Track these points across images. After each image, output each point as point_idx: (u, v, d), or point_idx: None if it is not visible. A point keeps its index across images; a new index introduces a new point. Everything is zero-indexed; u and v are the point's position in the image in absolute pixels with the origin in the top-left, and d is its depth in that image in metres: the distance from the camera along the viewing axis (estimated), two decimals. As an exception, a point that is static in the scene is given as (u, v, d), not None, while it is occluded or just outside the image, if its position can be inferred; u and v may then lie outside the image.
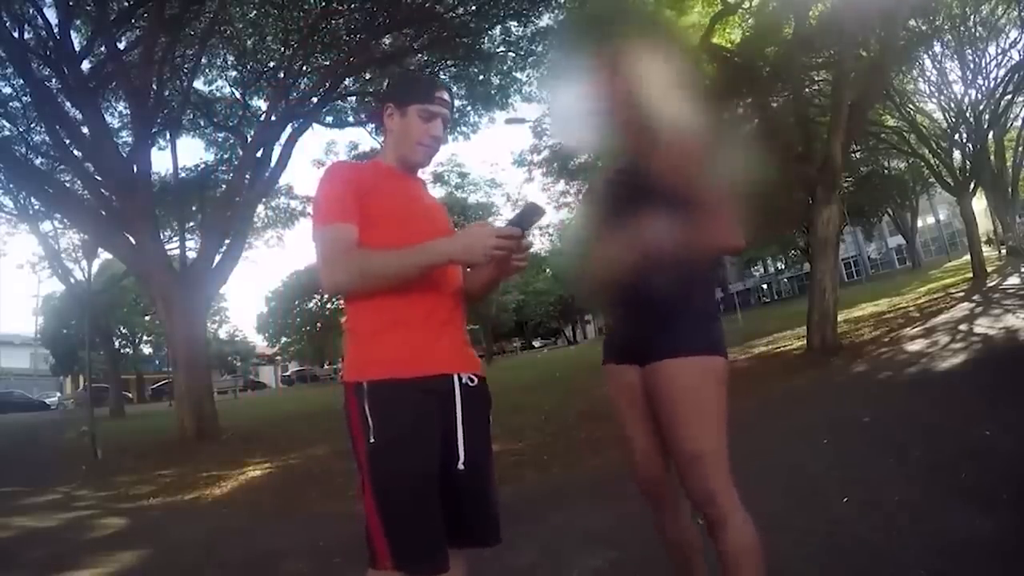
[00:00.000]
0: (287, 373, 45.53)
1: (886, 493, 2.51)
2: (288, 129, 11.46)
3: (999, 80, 16.71)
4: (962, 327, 7.59)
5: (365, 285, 1.26)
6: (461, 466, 1.24)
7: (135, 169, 9.48)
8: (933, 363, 5.60)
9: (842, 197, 9.19)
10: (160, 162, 41.97)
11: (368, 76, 12.40)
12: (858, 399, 4.77)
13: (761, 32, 9.48)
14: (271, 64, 12.13)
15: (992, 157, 19.86)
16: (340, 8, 10.70)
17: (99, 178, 9.88)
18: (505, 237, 1.22)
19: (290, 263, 67.31)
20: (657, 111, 1.41)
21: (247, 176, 11.10)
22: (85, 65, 9.96)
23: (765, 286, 52.15)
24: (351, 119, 13.60)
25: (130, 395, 32.06)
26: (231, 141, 13.66)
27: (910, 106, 17.17)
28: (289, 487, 4.93)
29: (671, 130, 1.40)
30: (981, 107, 17.20)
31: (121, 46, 10.18)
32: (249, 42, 11.67)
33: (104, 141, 9.43)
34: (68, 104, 10.11)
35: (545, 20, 11.35)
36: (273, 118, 10.88)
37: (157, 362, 36.61)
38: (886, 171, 24.84)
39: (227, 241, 10.62)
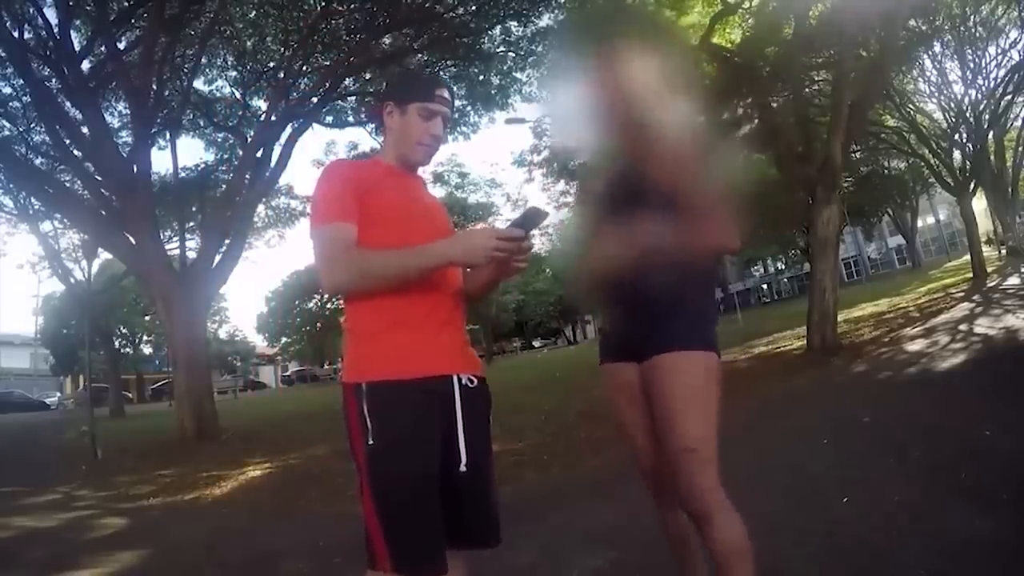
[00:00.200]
0: (287, 373, 45.53)
1: (886, 493, 2.51)
2: (288, 129, 11.47)
3: (999, 80, 16.72)
4: (962, 327, 7.59)
5: (365, 285, 1.25)
6: (464, 468, 1.23)
7: (135, 169, 9.48)
8: (933, 363, 5.60)
9: (842, 197, 9.18)
10: (160, 162, 41.97)
11: (368, 76, 12.40)
12: (858, 399, 4.76)
13: (761, 32, 9.49)
14: (271, 64, 12.13)
15: (992, 157, 19.87)
16: (340, 8, 10.70)
17: (99, 178, 9.89)
18: (506, 239, 1.21)
19: (290, 263, 67.38)
20: (654, 112, 1.41)
21: (247, 176, 11.10)
22: (85, 65, 9.96)
23: (765, 286, 52.15)
24: (351, 119, 13.61)
25: (130, 395, 32.06)
26: (231, 141, 13.67)
27: (910, 106, 17.17)
28: (289, 487, 4.92)
29: (667, 131, 1.40)
30: (981, 107, 17.20)
31: (121, 46, 10.18)
32: (249, 42, 11.67)
33: (104, 141, 9.43)
34: (68, 104, 10.10)
35: (545, 20, 11.38)
36: (273, 118, 10.88)
37: (157, 362, 36.61)
38: (886, 171, 24.84)
39: (227, 241, 10.62)
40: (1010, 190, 21.96)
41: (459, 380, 1.28)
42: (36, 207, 14.77)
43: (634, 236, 1.36)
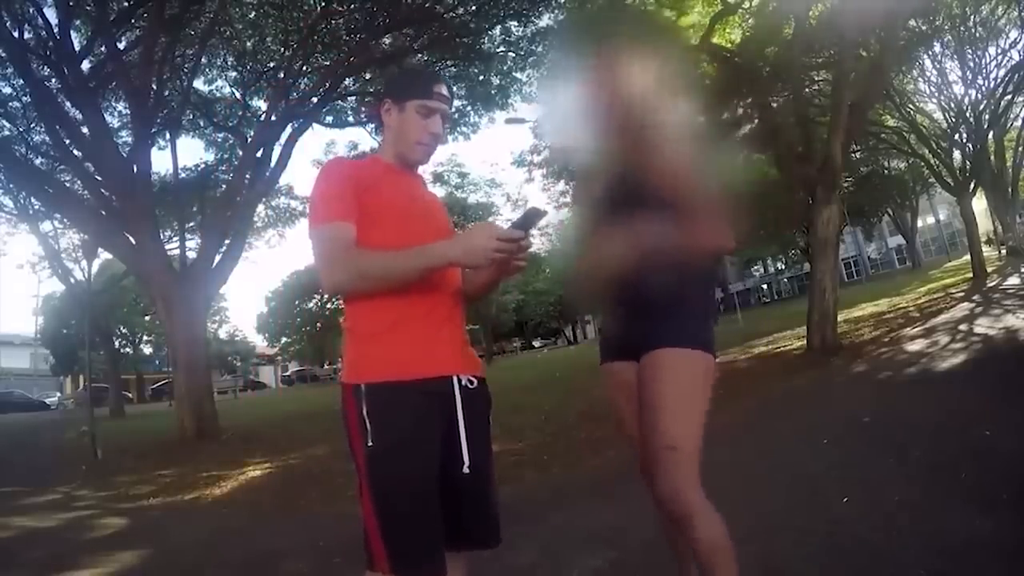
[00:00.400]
0: (287, 373, 45.50)
1: (886, 493, 2.51)
2: (288, 129, 11.47)
3: (999, 80, 16.72)
4: (962, 327, 7.59)
5: (364, 286, 1.25)
6: (466, 470, 1.23)
7: (135, 169, 9.48)
8: (933, 363, 5.60)
9: (842, 197, 9.19)
10: (160, 162, 42.02)
11: (368, 76, 12.40)
12: (858, 399, 4.76)
13: (761, 32, 9.49)
14: (271, 64, 12.13)
15: (992, 157, 19.87)
16: (340, 8, 10.70)
17: (99, 178, 9.88)
18: (506, 240, 1.20)
19: (290, 263, 67.43)
20: (653, 113, 1.42)
21: (247, 176, 11.10)
22: (85, 65, 9.96)
23: (765, 286, 52.15)
24: (351, 119, 13.62)
25: (130, 395, 32.04)
26: (231, 141, 13.66)
27: (910, 106, 17.17)
28: (289, 487, 4.92)
29: (666, 132, 1.40)
30: (981, 107, 17.20)
31: (121, 46, 10.17)
32: (249, 42, 11.67)
33: (104, 141, 9.43)
34: (68, 104, 10.10)
35: (545, 20, 11.38)
36: (273, 118, 10.88)
37: (157, 362, 36.60)
38: (886, 171, 24.86)
39: (227, 241, 10.62)
40: (1010, 190, 21.97)
41: (459, 381, 1.27)
42: (36, 207, 14.76)
43: (632, 237, 1.36)
